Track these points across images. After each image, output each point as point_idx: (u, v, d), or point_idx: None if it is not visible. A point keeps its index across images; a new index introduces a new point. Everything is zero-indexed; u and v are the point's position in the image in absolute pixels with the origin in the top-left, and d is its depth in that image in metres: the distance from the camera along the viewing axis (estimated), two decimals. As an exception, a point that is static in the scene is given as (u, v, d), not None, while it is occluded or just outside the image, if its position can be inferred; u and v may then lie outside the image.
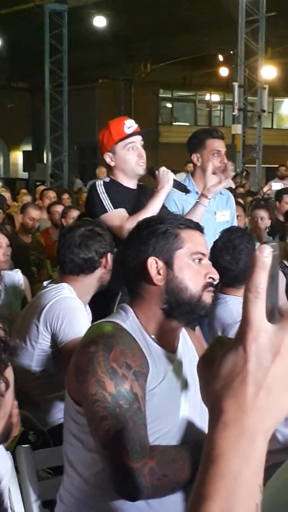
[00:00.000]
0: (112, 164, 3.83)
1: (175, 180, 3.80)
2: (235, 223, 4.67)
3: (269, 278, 0.75)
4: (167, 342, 2.11)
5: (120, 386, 1.92)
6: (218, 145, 4.46)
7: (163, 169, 3.79)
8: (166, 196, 4.18)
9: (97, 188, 3.77)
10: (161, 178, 3.73)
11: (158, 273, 2.07)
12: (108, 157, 3.83)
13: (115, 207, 3.70)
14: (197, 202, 3.96)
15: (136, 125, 3.87)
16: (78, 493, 2.09)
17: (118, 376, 1.93)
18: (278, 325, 0.75)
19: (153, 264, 2.07)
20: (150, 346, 2.06)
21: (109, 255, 3.25)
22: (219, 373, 0.76)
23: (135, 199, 3.83)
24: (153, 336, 2.09)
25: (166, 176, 3.74)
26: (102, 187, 3.76)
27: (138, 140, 3.82)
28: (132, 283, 2.14)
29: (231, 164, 4.11)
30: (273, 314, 0.76)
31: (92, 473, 2.04)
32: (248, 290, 0.75)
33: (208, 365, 0.78)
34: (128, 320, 2.08)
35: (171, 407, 2.05)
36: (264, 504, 0.77)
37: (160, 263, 2.07)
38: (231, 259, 3.53)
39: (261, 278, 0.74)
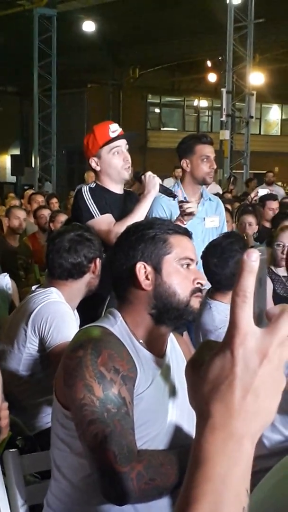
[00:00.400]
0: (98, 168, 3.84)
1: (161, 185, 3.81)
2: (225, 229, 4.68)
3: (257, 282, 0.75)
4: (155, 347, 2.11)
5: (108, 391, 1.92)
6: (207, 150, 4.47)
7: (149, 174, 3.80)
8: (153, 201, 4.20)
9: (83, 193, 3.77)
10: (147, 183, 3.74)
11: (147, 278, 2.07)
12: (93, 162, 3.84)
13: (101, 213, 3.71)
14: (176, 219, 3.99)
15: (120, 129, 3.89)
16: (65, 497, 2.09)
17: (106, 380, 1.92)
18: (266, 329, 0.75)
19: (142, 269, 2.07)
20: (138, 351, 2.06)
21: (98, 260, 3.25)
22: (206, 376, 0.76)
23: (121, 205, 3.83)
24: (141, 341, 2.09)
25: (153, 181, 3.74)
26: (88, 193, 3.77)
27: (123, 144, 3.83)
28: (120, 288, 2.14)
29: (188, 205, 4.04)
30: (261, 318, 0.76)
31: (79, 477, 2.03)
32: (236, 294, 0.75)
33: (196, 369, 0.78)
34: (117, 324, 2.09)
35: (159, 411, 2.06)
36: (251, 508, 0.78)
37: (149, 268, 2.07)
38: (217, 262, 3.54)
39: (249, 282, 0.75)
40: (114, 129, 3.83)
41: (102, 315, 3.23)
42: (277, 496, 0.95)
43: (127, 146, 3.86)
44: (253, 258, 0.75)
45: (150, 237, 2.10)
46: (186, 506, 0.74)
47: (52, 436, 2.13)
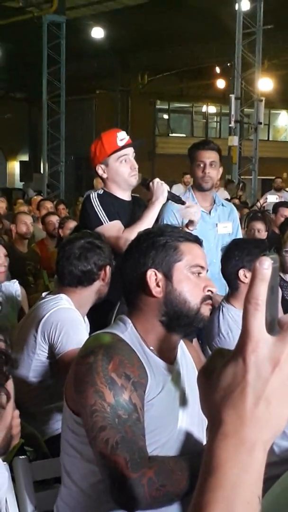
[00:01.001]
0: (105, 176, 3.85)
1: (169, 192, 3.81)
2: (239, 235, 4.68)
3: (269, 290, 0.75)
4: (166, 354, 2.11)
5: (119, 396, 1.92)
6: (203, 156, 4.46)
7: (157, 180, 3.80)
8: (164, 208, 4.22)
9: (92, 200, 3.78)
10: (156, 190, 3.74)
11: (157, 285, 2.08)
12: (100, 169, 3.85)
13: (110, 219, 3.72)
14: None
15: (128, 137, 3.90)
16: (75, 503, 2.09)
17: (117, 386, 1.93)
18: (278, 336, 0.76)
19: (152, 276, 2.08)
20: (148, 357, 2.07)
21: (108, 268, 3.26)
22: (218, 384, 0.76)
23: (129, 211, 3.85)
24: (151, 348, 2.09)
25: (161, 187, 3.75)
26: (97, 199, 3.78)
27: (130, 152, 3.84)
28: (131, 295, 2.14)
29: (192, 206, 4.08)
30: (273, 325, 0.76)
31: (89, 483, 2.03)
32: (248, 302, 0.76)
33: (208, 376, 0.79)
34: (127, 331, 2.09)
35: (169, 418, 2.06)
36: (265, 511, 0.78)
37: (159, 275, 2.08)
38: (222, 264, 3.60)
39: (261, 290, 0.75)
40: (122, 137, 3.84)
41: (112, 322, 3.25)
42: (280, 506, 0.95)
43: (134, 154, 3.87)
44: (266, 266, 0.76)
45: (161, 244, 2.10)
46: None
47: (63, 443, 2.13)
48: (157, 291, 2.07)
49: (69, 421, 2.07)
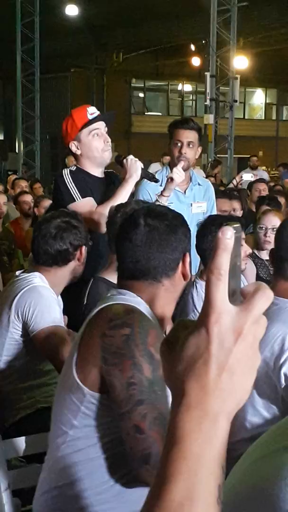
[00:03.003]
0: (78, 152, 3.83)
1: (143, 169, 3.80)
2: (214, 213, 4.66)
3: (232, 260, 0.75)
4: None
5: (156, 372, 1.89)
6: (181, 135, 4.38)
7: (131, 157, 3.79)
8: (139, 186, 4.21)
9: (64, 177, 3.76)
10: (130, 167, 3.73)
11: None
12: (73, 146, 3.82)
13: (82, 196, 3.70)
14: (155, 201, 3.99)
15: (98, 112, 3.87)
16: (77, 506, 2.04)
17: (155, 361, 1.89)
18: (241, 307, 0.75)
19: (187, 260, 2.15)
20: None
21: (84, 248, 3.24)
22: (181, 355, 0.76)
23: (102, 188, 3.83)
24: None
25: (134, 165, 3.73)
26: (69, 176, 3.76)
27: (102, 126, 3.82)
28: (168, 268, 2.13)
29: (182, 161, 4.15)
30: (236, 296, 0.76)
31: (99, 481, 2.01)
32: (211, 272, 0.75)
33: (171, 348, 0.78)
34: (143, 304, 2.06)
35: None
36: (225, 494, 0.78)
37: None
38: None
39: (224, 260, 0.74)
40: (92, 111, 3.82)
41: (84, 299, 3.24)
42: (252, 479, 0.95)
43: (106, 128, 3.85)
44: (228, 235, 0.75)
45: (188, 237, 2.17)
46: (161, 484, 0.74)
47: (66, 441, 2.04)
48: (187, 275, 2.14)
49: (85, 405, 1.98)
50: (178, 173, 4.05)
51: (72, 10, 20.62)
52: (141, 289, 2.07)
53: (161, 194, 4.04)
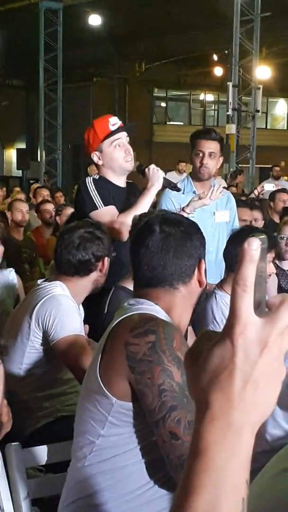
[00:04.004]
0: (100, 162, 3.84)
1: (165, 179, 3.80)
2: (236, 224, 4.65)
3: (257, 271, 0.74)
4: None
5: (185, 376, 1.89)
6: (203, 145, 4.41)
7: (153, 166, 3.79)
8: (162, 195, 4.22)
9: (87, 185, 3.77)
10: (151, 176, 3.73)
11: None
12: (95, 156, 3.84)
13: (105, 204, 3.71)
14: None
15: (120, 122, 3.88)
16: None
17: (182, 365, 1.87)
18: (266, 318, 0.74)
19: (203, 267, 2.14)
20: None
21: (106, 259, 3.24)
22: (206, 366, 0.75)
23: (124, 197, 3.84)
24: None
25: (156, 174, 3.74)
26: (92, 184, 3.77)
27: (123, 136, 3.83)
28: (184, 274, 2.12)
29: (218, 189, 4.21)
30: (261, 307, 0.75)
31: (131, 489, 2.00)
32: (236, 283, 0.74)
33: (195, 359, 0.77)
34: (162, 312, 2.04)
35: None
36: (253, 499, 0.77)
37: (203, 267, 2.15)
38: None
39: (250, 271, 0.74)
40: (114, 122, 3.83)
41: (105, 308, 3.24)
42: (273, 490, 0.94)
43: (128, 138, 3.85)
44: (254, 247, 0.74)
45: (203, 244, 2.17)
46: (184, 496, 0.74)
47: (92, 454, 2.03)
48: (203, 282, 2.14)
49: (113, 414, 1.97)
50: (210, 200, 4.10)
51: (95, 20, 20.73)
52: (158, 296, 2.06)
53: (183, 209, 4.04)
